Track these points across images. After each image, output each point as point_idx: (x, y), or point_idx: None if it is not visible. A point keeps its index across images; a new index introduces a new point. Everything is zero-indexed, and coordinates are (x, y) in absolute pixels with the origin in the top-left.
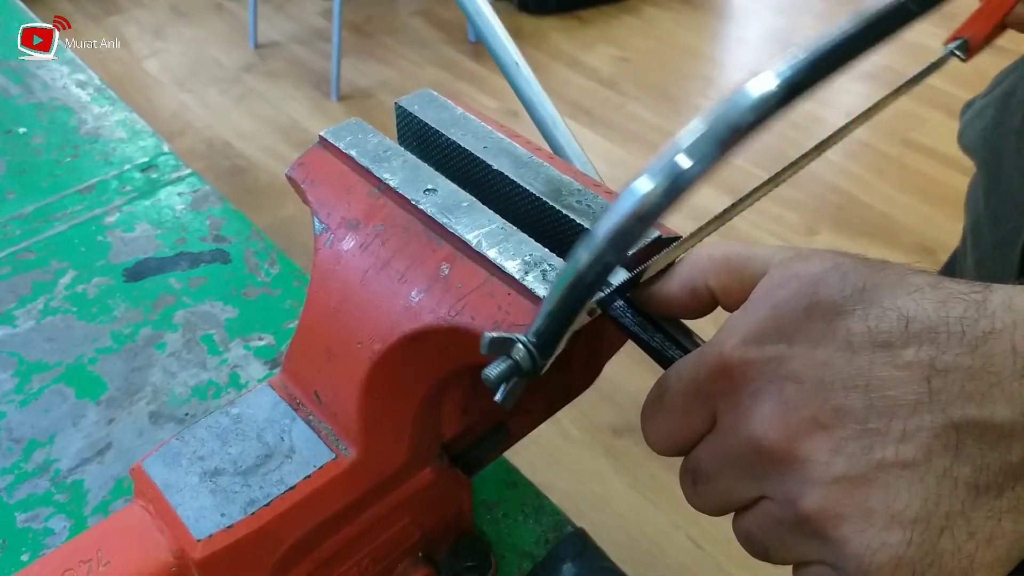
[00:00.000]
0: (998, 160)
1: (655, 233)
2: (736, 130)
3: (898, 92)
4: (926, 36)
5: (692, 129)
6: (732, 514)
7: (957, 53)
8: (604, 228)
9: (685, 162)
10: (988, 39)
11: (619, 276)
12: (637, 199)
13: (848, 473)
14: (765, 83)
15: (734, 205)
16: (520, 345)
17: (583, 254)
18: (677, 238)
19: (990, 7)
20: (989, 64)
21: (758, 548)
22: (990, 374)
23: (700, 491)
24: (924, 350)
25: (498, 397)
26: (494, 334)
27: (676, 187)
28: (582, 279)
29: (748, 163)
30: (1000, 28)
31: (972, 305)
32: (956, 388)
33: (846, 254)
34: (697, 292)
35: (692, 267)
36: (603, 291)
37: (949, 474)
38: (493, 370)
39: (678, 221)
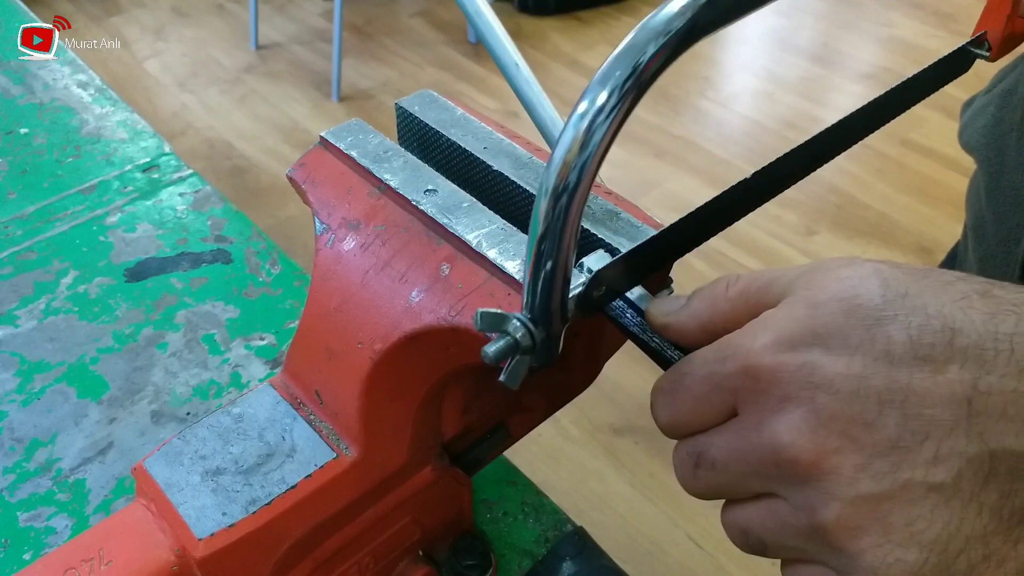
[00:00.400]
0: (1000, 158)
1: (650, 232)
2: (642, 67)
3: (916, 94)
4: (924, 37)
5: (609, 63)
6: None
7: (975, 50)
8: (547, 178)
9: (603, 97)
10: (1011, 34)
11: (602, 260)
12: (567, 143)
13: (872, 490)
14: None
15: (729, 205)
16: (516, 321)
17: (537, 209)
18: (661, 227)
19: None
20: (990, 65)
21: (754, 542)
22: None
23: (701, 475)
24: (968, 368)
25: (502, 377)
26: (486, 309)
27: (596, 122)
28: (543, 235)
29: (743, 162)
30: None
31: None
32: (997, 412)
33: (887, 261)
34: (713, 333)
35: (710, 308)
36: (582, 270)
37: (975, 499)
38: (491, 347)
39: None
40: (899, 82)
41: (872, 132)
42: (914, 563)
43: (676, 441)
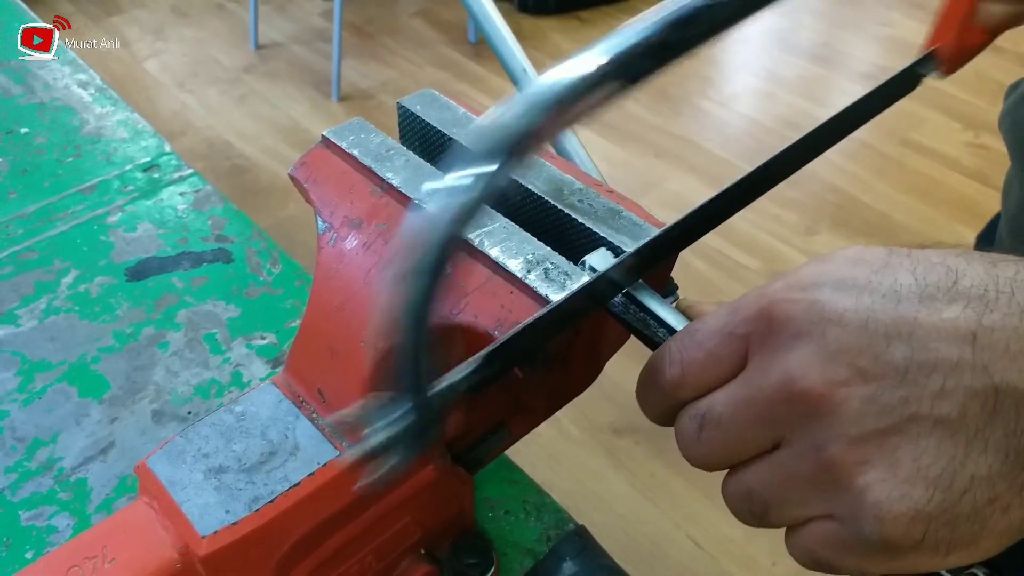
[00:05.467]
0: None
1: (652, 229)
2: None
3: (861, 117)
4: (923, 37)
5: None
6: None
7: (925, 69)
8: (407, 258)
9: (458, 179)
10: (964, 49)
11: (605, 259)
12: (424, 219)
13: (880, 425)
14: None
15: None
16: (383, 419)
17: (390, 295)
18: (662, 225)
19: (949, 11)
20: (990, 64)
21: (756, 506)
22: None
23: (705, 438)
24: (972, 307)
25: (369, 479)
26: (333, 419)
27: (463, 200)
28: (400, 323)
29: (743, 162)
30: (980, 35)
31: (1023, 268)
32: (1001, 348)
33: None
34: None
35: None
36: (584, 268)
37: (981, 436)
38: (353, 450)
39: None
40: (844, 107)
41: (812, 159)
42: (919, 499)
43: (678, 442)
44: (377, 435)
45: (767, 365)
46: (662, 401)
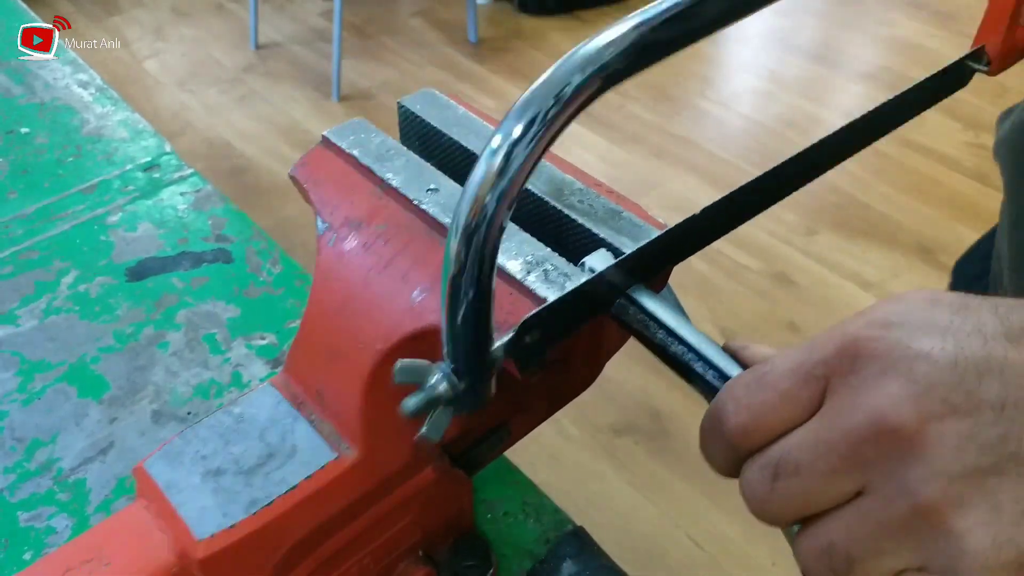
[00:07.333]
0: None
1: (652, 231)
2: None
3: (910, 110)
4: (924, 37)
5: (528, 95)
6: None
7: (974, 64)
8: (459, 214)
9: (518, 130)
10: (1012, 47)
11: (604, 260)
12: (479, 177)
13: (979, 463)
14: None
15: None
16: (438, 373)
17: (449, 248)
18: (663, 226)
19: (995, 8)
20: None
21: (839, 561)
22: None
23: (780, 488)
24: None
25: (422, 430)
26: (405, 361)
27: (514, 154)
28: (457, 277)
29: (743, 162)
30: None
31: None
32: None
33: None
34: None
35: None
36: (584, 270)
37: None
38: (410, 401)
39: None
40: (892, 96)
41: (863, 148)
42: None
43: (746, 496)
44: (436, 388)
45: (851, 403)
46: (727, 451)
